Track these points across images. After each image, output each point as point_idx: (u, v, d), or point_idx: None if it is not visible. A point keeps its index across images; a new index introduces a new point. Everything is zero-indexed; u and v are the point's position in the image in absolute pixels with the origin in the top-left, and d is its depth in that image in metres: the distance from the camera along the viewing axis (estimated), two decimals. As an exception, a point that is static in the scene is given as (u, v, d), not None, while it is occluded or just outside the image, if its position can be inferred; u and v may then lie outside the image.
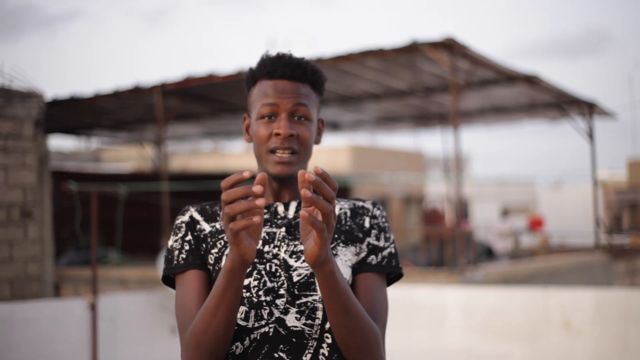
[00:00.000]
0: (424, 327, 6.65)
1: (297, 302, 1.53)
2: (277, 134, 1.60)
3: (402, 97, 12.05)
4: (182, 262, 1.59)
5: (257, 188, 1.27)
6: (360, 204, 1.70)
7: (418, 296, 6.73)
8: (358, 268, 1.60)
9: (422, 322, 6.66)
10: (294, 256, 1.57)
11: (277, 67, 1.64)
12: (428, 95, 11.93)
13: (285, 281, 1.54)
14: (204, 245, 1.61)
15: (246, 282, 1.54)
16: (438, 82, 10.95)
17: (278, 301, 1.53)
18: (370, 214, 1.67)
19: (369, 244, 1.63)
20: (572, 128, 12.78)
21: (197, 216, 1.66)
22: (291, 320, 1.51)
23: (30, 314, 5.63)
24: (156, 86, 10.54)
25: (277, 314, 1.52)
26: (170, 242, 1.64)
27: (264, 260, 1.56)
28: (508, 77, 10.49)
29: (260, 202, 1.27)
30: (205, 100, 11.99)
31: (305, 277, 1.55)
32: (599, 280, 11.04)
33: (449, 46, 8.62)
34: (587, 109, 12.47)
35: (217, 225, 1.63)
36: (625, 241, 14.45)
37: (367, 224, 1.65)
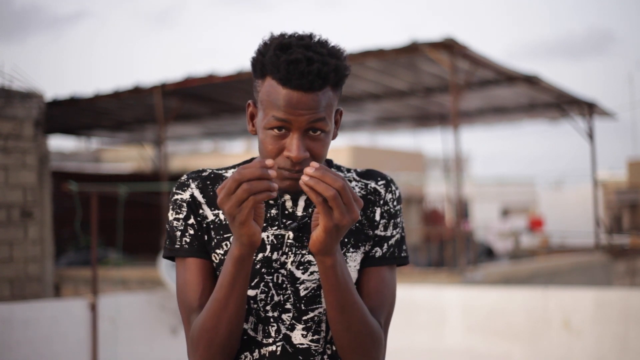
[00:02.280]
0: (424, 327, 6.65)
1: (304, 317, 1.48)
2: (288, 156, 1.42)
3: (402, 97, 12.05)
4: (186, 246, 1.51)
5: (273, 172, 1.27)
6: (373, 186, 1.57)
7: (418, 296, 6.73)
8: (361, 262, 1.53)
9: (422, 322, 6.66)
10: (300, 267, 1.49)
11: (293, 75, 1.37)
12: (428, 96, 11.94)
13: (291, 295, 1.48)
14: (206, 236, 1.52)
15: (252, 293, 1.48)
16: (438, 82, 10.95)
17: (284, 316, 1.48)
18: (382, 201, 1.55)
19: (375, 236, 1.54)
20: (572, 128, 12.79)
21: (198, 196, 1.53)
22: (297, 337, 1.48)
23: (30, 314, 5.63)
24: (156, 86, 10.54)
25: (283, 330, 1.48)
26: (170, 218, 1.54)
27: (272, 270, 1.48)
28: (508, 78, 10.49)
29: (276, 185, 1.27)
30: (205, 101, 11.99)
31: (312, 291, 1.48)
32: (599, 280, 11.04)
33: (449, 46, 8.62)
34: (587, 109, 12.47)
35: (221, 216, 1.52)
36: (625, 241, 14.45)
37: (377, 216, 1.55)
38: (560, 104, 12.41)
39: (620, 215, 22.04)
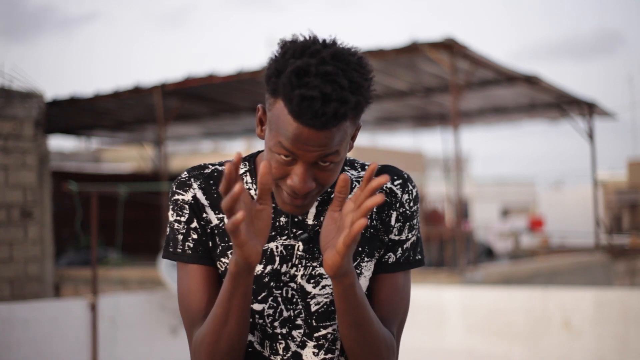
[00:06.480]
0: (424, 327, 6.64)
1: (316, 334, 1.39)
2: (291, 186, 1.30)
3: (402, 97, 12.05)
4: (189, 251, 1.39)
5: (228, 169, 1.15)
6: (389, 186, 1.43)
7: (418, 296, 6.72)
8: (374, 268, 1.43)
9: (422, 322, 6.66)
10: (312, 281, 1.38)
11: (306, 113, 1.21)
12: (428, 96, 11.93)
13: (302, 310, 1.39)
14: (211, 242, 1.40)
15: (259, 307, 1.38)
16: (438, 82, 10.95)
17: (295, 333, 1.39)
18: (398, 203, 1.42)
19: (390, 240, 1.42)
20: (572, 128, 12.78)
21: (201, 198, 1.40)
22: (309, 355, 1.39)
23: (30, 314, 5.63)
24: (156, 86, 10.54)
25: (293, 347, 1.39)
26: (171, 219, 1.42)
27: (281, 284, 1.38)
28: (508, 78, 10.49)
29: (237, 188, 1.13)
30: (205, 101, 11.98)
31: (325, 307, 1.39)
32: (599, 280, 11.03)
33: (449, 46, 8.62)
34: (587, 109, 12.47)
35: (225, 219, 1.39)
36: (625, 241, 14.45)
37: (392, 221, 1.42)
38: (560, 104, 12.41)
39: (620, 215, 22.04)
